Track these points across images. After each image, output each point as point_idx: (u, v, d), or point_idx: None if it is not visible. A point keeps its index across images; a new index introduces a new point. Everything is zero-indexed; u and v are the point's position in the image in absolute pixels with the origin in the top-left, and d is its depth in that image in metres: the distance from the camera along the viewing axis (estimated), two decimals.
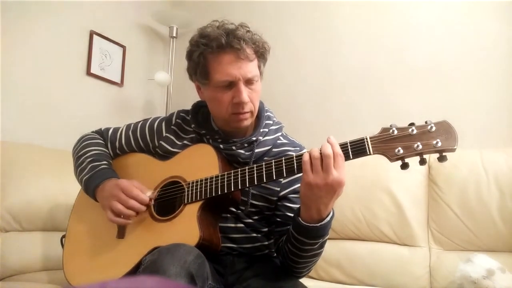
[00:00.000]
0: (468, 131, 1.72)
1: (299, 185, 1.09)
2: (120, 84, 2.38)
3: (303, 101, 2.23)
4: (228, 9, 2.49)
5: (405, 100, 1.95)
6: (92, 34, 2.20)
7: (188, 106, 1.22)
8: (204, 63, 1.04)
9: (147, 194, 1.06)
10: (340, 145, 0.88)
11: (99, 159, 1.17)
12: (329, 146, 0.86)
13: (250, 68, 1.03)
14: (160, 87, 2.52)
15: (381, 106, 2.01)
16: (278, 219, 1.10)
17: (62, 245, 1.22)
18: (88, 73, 2.18)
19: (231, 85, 1.03)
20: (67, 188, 1.62)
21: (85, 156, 1.18)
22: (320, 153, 0.86)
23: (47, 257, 1.57)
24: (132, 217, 1.04)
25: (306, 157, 0.87)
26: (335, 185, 0.85)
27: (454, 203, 1.56)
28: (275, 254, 1.17)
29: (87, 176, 1.13)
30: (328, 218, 0.92)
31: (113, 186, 1.06)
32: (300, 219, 0.92)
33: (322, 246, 0.97)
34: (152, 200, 1.08)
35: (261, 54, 1.07)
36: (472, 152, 1.61)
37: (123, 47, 2.40)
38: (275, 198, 1.10)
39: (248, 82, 1.04)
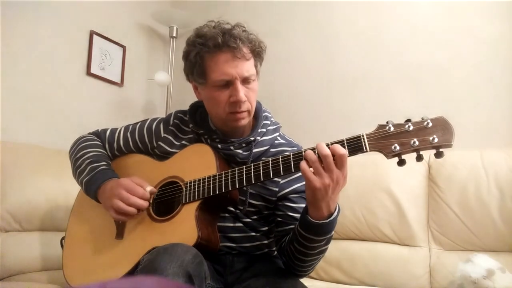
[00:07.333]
0: (468, 131, 1.71)
1: (298, 184, 1.09)
2: (120, 84, 2.39)
3: (301, 100, 2.23)
4: (228, 9, 2.49)
5: (404, 99, 1.94)
6: (92, 34, 2.20)
7: (187, 106, 1.22)
8: (201, 63, 1.05)
9: (147, 189, 1.06)
10: (336, 143, 0.88)
11: (98, 160, 1.16)
12: (324, 146, 0.85)
13: (247, 67, 1.04)
14: (160, 87, 2.52)
15: (380, 106, 2.01)
16: (279, 219, 1.09)
17: (62, 246, 1.22)
18: (88, 73, 2.19)
19: (228, 84, 1.03)
20: (67, 188, 1.63)
21: (83, 158, 1.17)
22: (318, 155, 0.85)
23: (46, 257, 1.57)
24: (134, 214, 1.04)
25: (304, 165, 0.85)
26: (340, 181, 0.86)
27: (454, 203, 1.56)
28: (275, 253, 1.17)
29: (87, 178, 1.12)
30: (335, 213, 0.91)
31: (115, 185, 1.06)
32: (309, 217, 0.90)
33: (328, 242, 0.97)
34: (154, 195, 1.08)
35: (257, 53, 1.08)
36: (472, 152, 1.60)
37: (123, 47, 2.41)
38: (274, 199, 1.10)
39: (245, 81, 1.04)
